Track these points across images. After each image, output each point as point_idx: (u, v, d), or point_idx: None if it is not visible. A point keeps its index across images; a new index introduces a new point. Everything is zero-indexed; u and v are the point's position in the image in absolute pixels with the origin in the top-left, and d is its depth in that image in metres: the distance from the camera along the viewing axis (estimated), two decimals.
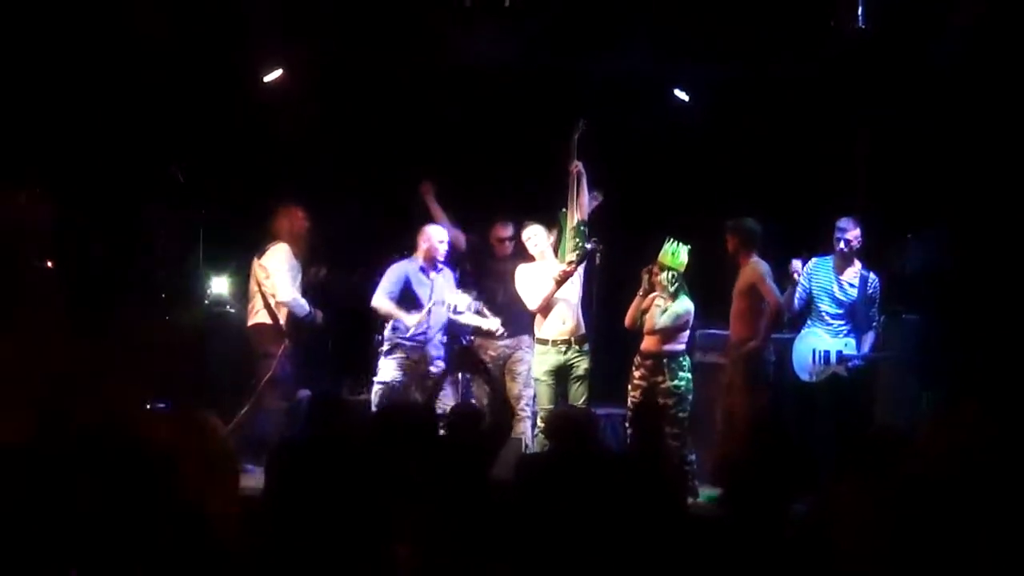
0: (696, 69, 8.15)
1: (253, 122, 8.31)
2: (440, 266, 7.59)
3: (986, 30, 7.21)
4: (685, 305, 7.14)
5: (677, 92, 8.15)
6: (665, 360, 7.08)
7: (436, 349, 7.55)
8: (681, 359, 7.12)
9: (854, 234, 7.12)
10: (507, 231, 7.79)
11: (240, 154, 8.42)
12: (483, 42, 7.70)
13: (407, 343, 7.43)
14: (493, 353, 7.71)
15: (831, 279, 7.19)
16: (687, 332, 7.23)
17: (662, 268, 7.13)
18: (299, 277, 7.48)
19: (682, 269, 7.15)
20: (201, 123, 8.14)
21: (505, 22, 7.54)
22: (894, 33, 7.43)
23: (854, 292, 7.15)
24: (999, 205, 7.45)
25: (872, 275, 7.18)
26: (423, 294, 7.45)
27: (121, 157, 7.96)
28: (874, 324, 7.20)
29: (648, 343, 7.18)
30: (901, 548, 3.51)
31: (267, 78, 7.96)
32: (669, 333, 7.12)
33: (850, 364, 7.11)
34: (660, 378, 7.06)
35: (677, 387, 7.05)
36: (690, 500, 6.63)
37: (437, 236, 7.55)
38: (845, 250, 7.14)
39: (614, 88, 8.35)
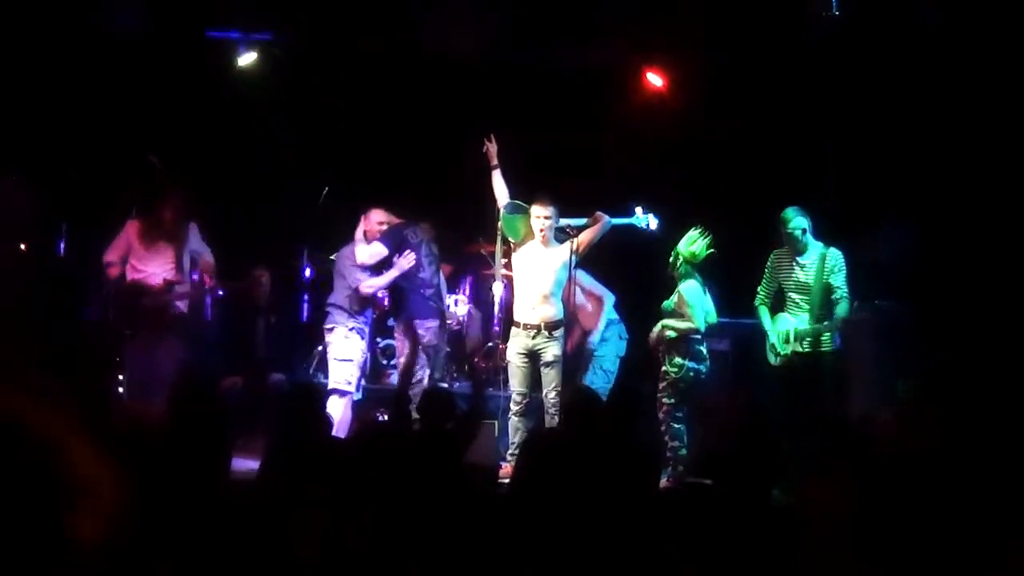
0: (669, 58, 8.17)
1: (227, 107, 8.30)
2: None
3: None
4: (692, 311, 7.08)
5: (650, 76, 8.15)
6: (662, 347, 7.18)
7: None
8: (678, 345, 7.12)
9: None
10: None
11: (214, 139, 8.40)
12: (456, 29, 7.70)
13: (361, 323, 7.52)
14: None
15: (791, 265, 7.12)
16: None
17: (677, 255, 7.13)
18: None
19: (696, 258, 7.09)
20: (177, 109, 8.11)
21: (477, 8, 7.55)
22: (868, 20, 7.48)
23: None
24: (972, 192, 7.51)
25: (832, 250, 7.05)
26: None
27: (98, 144, 7.93)
28: (841, 297, 7.04)
29: None
30: (878, 536, 3.56)
31: (241, 61, 7.92)
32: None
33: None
34: (663, 362, 7.17)
35: (666, 373, 7.15)
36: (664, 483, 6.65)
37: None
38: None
39: (585, 78, 8.37)
